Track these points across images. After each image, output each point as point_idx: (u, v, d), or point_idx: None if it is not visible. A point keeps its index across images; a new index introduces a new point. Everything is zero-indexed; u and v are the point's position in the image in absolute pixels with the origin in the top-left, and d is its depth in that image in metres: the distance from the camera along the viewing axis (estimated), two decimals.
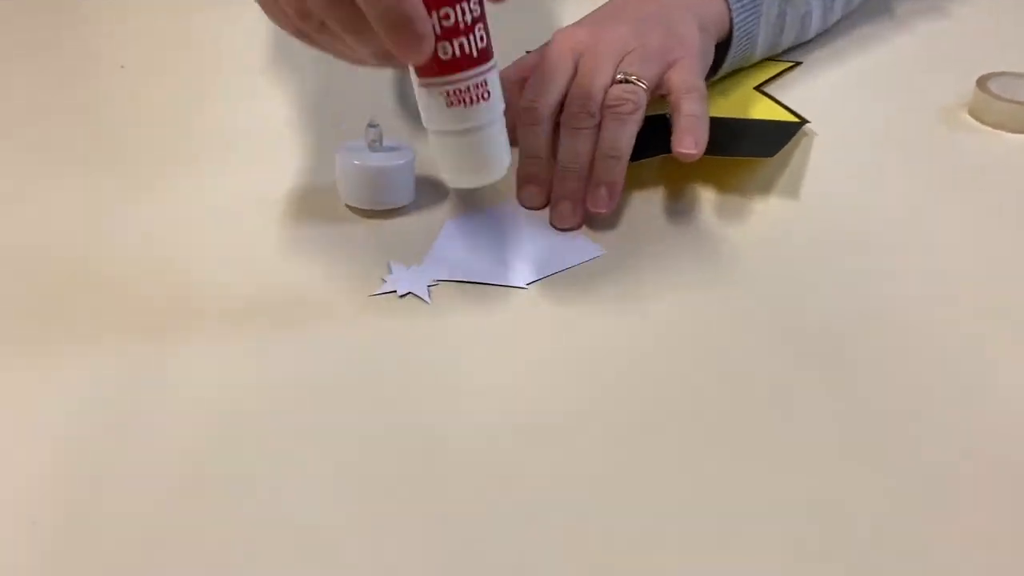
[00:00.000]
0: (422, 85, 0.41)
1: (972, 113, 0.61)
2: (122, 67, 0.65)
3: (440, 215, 0.52)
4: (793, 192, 0.54)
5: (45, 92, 0.63)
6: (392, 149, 0.51)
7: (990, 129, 0.60)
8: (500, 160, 0.43)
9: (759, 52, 0.64)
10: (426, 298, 0.46)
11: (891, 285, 0.48)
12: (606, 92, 0.52)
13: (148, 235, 0.50)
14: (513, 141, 0.45)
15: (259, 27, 0.71)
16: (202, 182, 0.55)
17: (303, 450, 0.38)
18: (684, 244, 0.50)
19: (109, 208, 0.52)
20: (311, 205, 0.53)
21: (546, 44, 0.56)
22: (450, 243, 0.50)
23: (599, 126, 0.51)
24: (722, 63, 0.61)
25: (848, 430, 0.40)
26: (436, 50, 0.39)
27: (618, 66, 0.53)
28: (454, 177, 0.44)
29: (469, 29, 0.39)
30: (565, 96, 0.53)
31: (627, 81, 0.52)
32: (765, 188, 0.54)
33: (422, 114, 0.42)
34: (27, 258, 0.49)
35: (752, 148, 0.54)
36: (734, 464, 0.38)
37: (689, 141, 0.50)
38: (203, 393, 0.41)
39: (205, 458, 0.38)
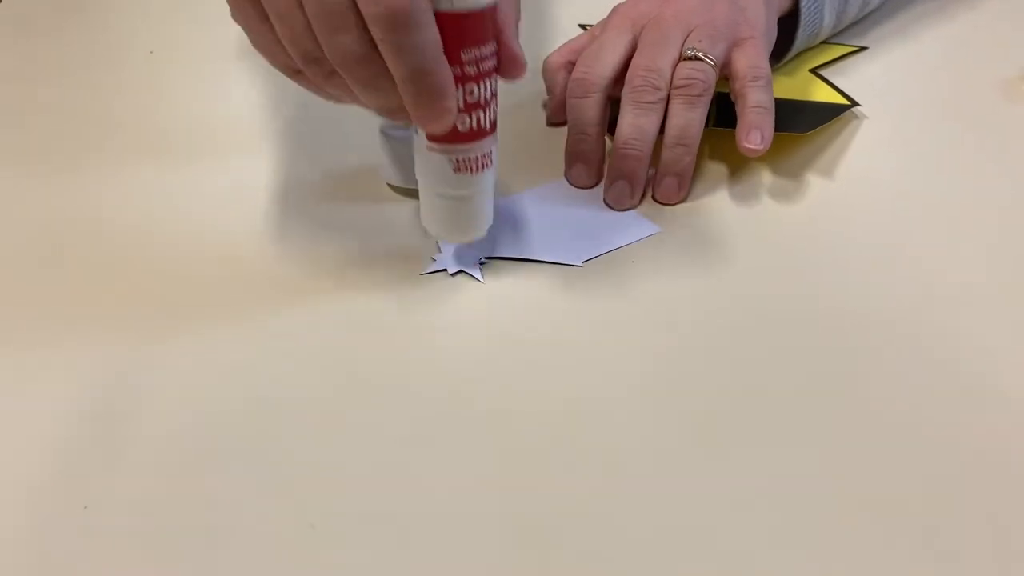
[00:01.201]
0: (431, 149, 0.40)
1: None
2: (151, 52, 0.64)
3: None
4: (845, 172, 0.52)
5: (73, 78, 0.62)
6: None
7: None
8: (487, 221, 0.44)
9: (827, 24, 0.60)
10: (478, 276, 0.44)
11: (937, 265, 0.45)
12: (674, 68, 0.49)
13: (188, 214, 0.49)
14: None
15: None
16: (240, 164, 0.53)
17: (362, 432, 0.37)
18: (738, 224, 0.48)
19: (149, 188, 0.51)
20: (353, 186, 0.51)
21: (605, 19, 0.54)
22: (499, 221, 0.48)
23: (665, 105, 0.49)
24: (791, 41, 0.58)
25: (880, 416, 0.38)
26: (455, 121, 0.39)
27: (685, 41, 0.50)
28: (442, 233, 0.44)
29: (488, 104, 0.40)
30: (621, 70, 0.50)
31: (696, 58, 0.49)
32: (819, 168, 0.52)
33: (422, 172, 0.42)
34: (67, 233, 0.47)
35: (788, 125, 0.52)
36: (773, 444, 0.36)
37: (755, 136, 0.48)
38: (253, 377, 0.39)
39: (259, 435, 0.37)
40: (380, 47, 0.35)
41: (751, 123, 0.48)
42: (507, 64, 0.39)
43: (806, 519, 0.34)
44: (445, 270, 0.45)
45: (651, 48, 0.50)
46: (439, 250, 0.46)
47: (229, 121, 0.57)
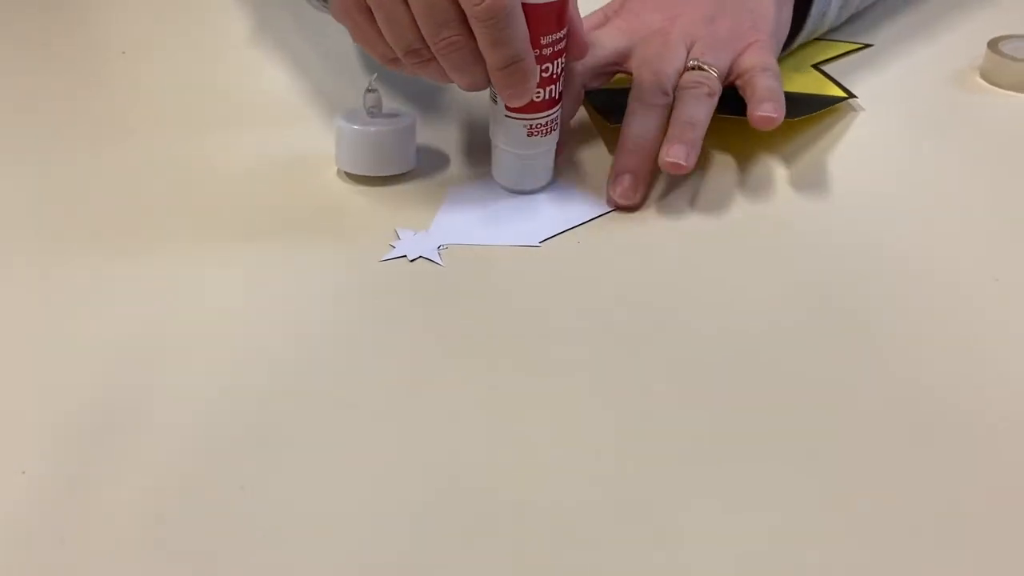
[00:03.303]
0: (508, 117, 0.47)
1: (984, 75, 0.60)
2: (123, 53, 0.65)
3: (442, 181, 0.51)
4: (800, 158, 0.53)
5: (47, 80, 0.62)
6: (392, 115, 0.50)
7: (1003, 91, 0.59)
8: (549, 175, 0.51)
9: (834, 6, 0.61)
10: (438, 260, 0.45)
11: (901, 247, 0.47)
12: (679, 76, 0.51)
13: (150, 206, 0.49)
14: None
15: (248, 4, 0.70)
16: (202, 154, 0.53)
17: (328, 420, 0.38)
18: (690, 199, 0.50)
19: (111, 185, 0.51)
20: (309, 174, 0.51)
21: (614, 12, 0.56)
22: (456, 208, 0.49)
23: (669, 109, 0.50)
24: (803, 21, 0.58)
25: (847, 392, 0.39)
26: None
27: (688, 53, 0.52)
28: (514, 185, 0.50)
29: (557, 79, 0.47)
30: (604, 65, 0.52)
31: (700, 68, 0.51)
32: (772, 152, 0.53)
33: (500, 136, 0.48)
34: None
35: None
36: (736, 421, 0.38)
37: (769, 106, 0.49)
38: (213, 366, 0.40)
39: (218, 431, 0.37)
40: (479, 39, 0.42)
41: (763, 96, 0.49)
42: (576, 46, 0.47)
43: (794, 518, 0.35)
44: (405, 256, 0.45)
45: (657, 57, 0.52)
46: (398, 237, 0.46)
47: (188, 115, 0.57)
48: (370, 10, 0.43)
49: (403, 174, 0.51)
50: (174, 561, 0.32)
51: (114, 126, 0.57)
